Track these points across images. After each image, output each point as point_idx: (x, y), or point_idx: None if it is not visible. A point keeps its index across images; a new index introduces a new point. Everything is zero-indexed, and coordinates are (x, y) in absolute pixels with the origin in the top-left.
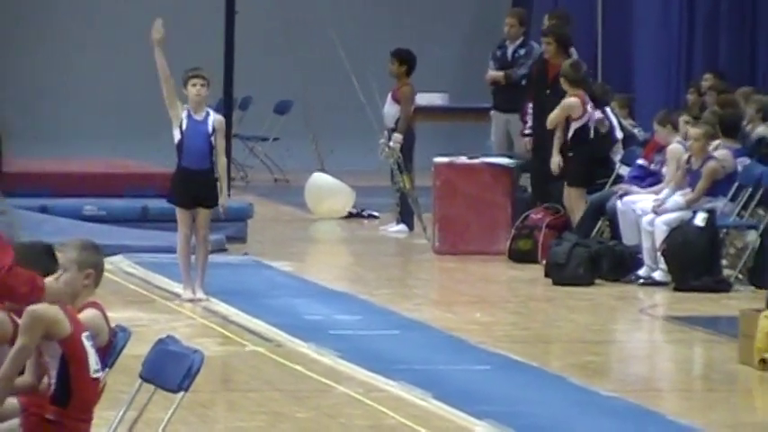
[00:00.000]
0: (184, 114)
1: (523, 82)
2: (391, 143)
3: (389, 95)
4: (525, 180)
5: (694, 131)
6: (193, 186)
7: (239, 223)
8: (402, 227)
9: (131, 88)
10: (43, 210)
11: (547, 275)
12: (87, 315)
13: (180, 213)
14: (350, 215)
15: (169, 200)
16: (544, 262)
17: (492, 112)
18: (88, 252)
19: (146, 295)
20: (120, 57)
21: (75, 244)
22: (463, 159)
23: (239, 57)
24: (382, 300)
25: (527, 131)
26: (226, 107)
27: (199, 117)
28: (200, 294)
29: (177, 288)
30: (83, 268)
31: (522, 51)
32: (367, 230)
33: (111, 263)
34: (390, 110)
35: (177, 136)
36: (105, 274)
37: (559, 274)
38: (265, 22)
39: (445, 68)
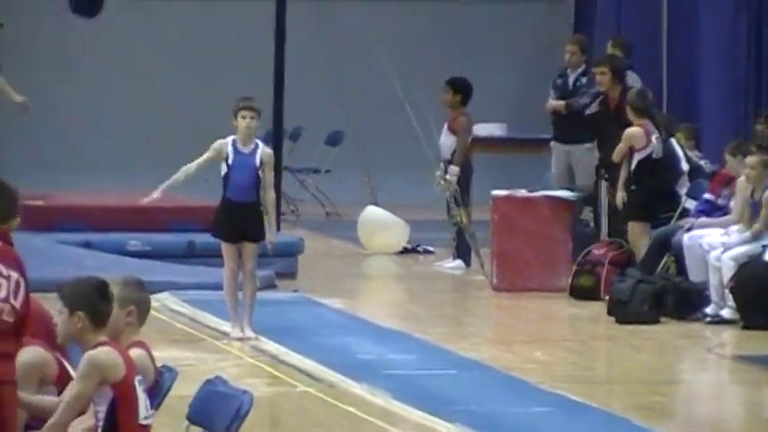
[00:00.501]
0: (230, 148)
1: (587, 112)
2: (447, 176)
3: (445, 126)
4: (587, 214)
5: (751, 160)
6: (239, 219)
7: (289, 258)
8: (459, 263)
9: (132, 104)
10: (86, 245)
11: (609, 313)
12: (132, 355)
13: (225, 248)
14: (404, 250)
15: (213, 233)
16: (607, 299)
17: (552, 143)
18: (130, 288)
19: (193, 334)
20: (127, 72)
21: (117, 280)
22: (522, 192)
23: (289, 87)
24: (438, 338)
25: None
26: (276, 138)
27: (246, 149)
28: (248, 333)
29: (225, 326)
30: (124, 305)
31: (583, 80)
32: (422, 266)
33: (156, 300)
34: (446, 141)
35: (224, 169)
36: (150, 311)
37: (623, 312)
38: (315, 51)
39: (504, 98)
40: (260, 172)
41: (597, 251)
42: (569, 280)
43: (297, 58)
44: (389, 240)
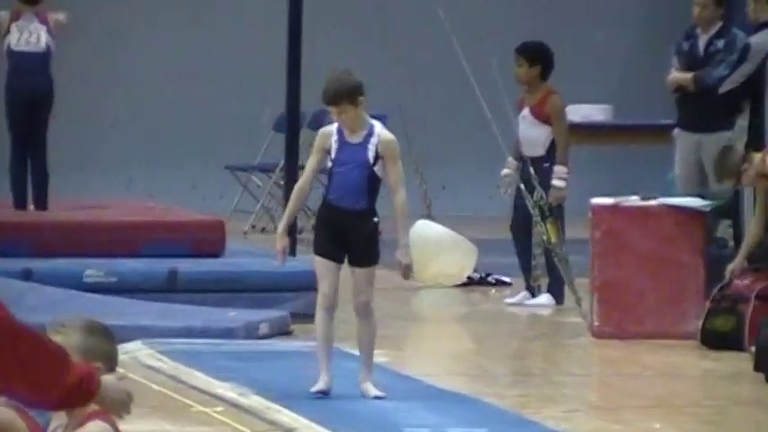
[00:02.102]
0: (334, 138)
1: (722, 88)
2: (555, 181)
3: (526, 111)
4: (725, 230)
5: None
6: (346, 229)
7: (308, 294)
8: (546, 298)
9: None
10: (26, 275)
11: (757, 368)
12: (92, 430)
13: (320, 265)
14: (470, 281)
15: (314, 249)
16: (753, 349)
17: (676, 132)
18: (96, 338)
19: (175, 399)
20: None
21: (77, 325)
22: (634, 200)
23: (310, 52)
24: (516, 404)
25: None
26: (289, 126)
27: (356, 138)
28: (374, 391)
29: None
30: (89, 360)
31: (719, 43)
32: (494, 303)
33: (125, 352)
34: (533, 132)
35: (328, 164)
36: (118, 368)
37: None
38: (343, 4)
39: (607, 70)
40: (375, 168)
41: (740, 282)
42: (701, 322)
43: (321, 12)
44: (449, 268)
